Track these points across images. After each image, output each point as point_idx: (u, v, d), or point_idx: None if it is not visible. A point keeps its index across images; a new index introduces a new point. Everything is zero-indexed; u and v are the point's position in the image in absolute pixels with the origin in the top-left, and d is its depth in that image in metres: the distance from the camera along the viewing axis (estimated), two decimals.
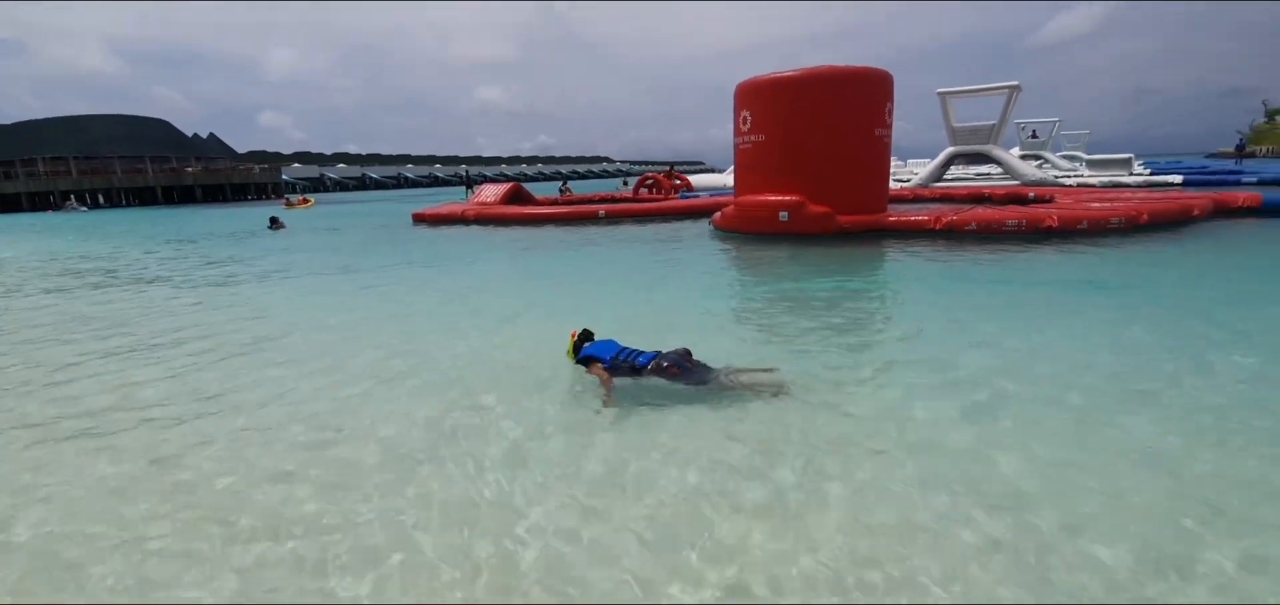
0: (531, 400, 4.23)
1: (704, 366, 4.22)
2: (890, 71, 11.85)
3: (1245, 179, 21.60)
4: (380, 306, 7.73)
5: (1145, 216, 10.78)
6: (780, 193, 11.55)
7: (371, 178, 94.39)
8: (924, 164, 32.46)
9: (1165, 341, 5.07)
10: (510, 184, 22.31)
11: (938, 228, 10.91)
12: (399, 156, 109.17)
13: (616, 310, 6.99)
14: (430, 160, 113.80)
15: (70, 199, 48.85)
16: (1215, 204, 12.94)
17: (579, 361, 4.38)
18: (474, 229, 16.67)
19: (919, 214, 11.51)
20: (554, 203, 22.42)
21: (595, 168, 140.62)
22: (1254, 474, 2.98)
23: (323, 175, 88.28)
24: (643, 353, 4.26)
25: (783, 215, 11.29)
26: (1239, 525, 2.59)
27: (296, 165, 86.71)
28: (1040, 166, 31.51)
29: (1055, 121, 41.55)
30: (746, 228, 12.06)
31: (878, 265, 9.17)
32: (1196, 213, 12.06)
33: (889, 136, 12.29)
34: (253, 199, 59.86)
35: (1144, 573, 2.33)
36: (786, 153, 11.58)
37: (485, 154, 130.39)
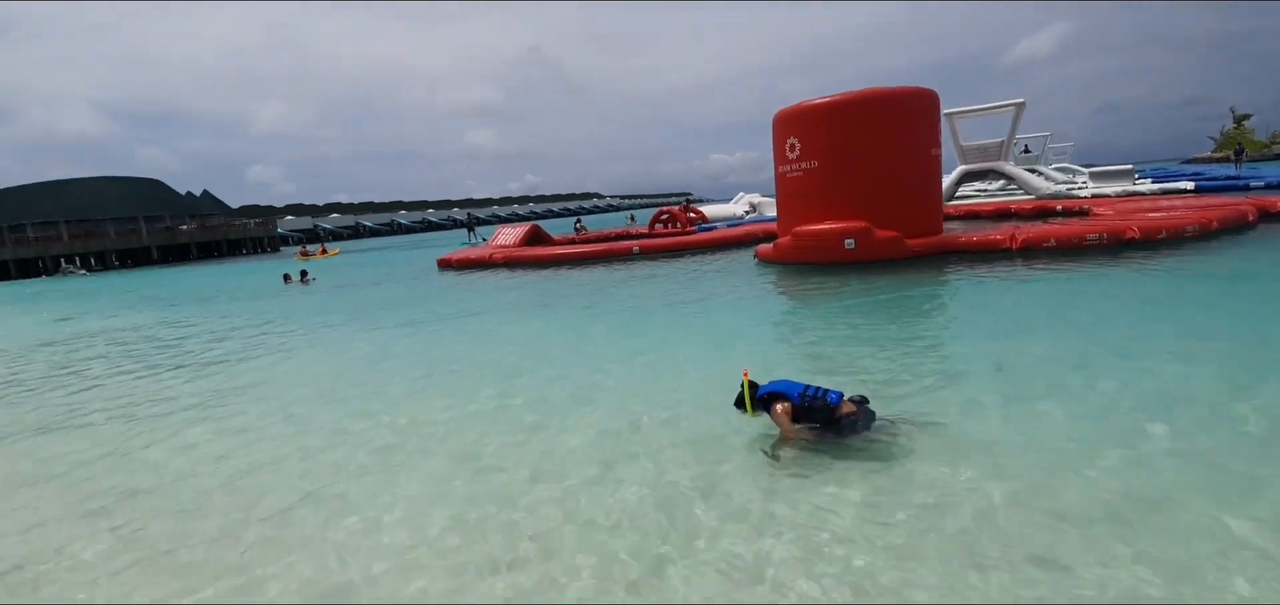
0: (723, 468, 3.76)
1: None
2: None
3: (1254, 183, 21.64)
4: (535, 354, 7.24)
5: (1216, 223, 10.56)
6: (838, 219, 11.24)
7: (366, 226, 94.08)
8: None
9: None
10: (528, 225, 21.95)
11: (1014, 246, 10.61)
12: (392, 204, 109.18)
13: (727, 356, 6.55)
14: (422, 205, 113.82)
15: (74, 262, 47.92)
16: (1260, 209, 12.80)
17: (759, 401, 3.85)
18: (502, 273, 16.24)
19: (993, 232, 11.24)
20: (572, 241, 22.11)
21: (587, 203, 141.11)
22: None
23: (316, 226, 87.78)
24: (831, 391, 3.78)
25: (848, 243, 10.96)
26: None
27: (289, 218, 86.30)
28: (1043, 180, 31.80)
29: (1046, 135, 42.16)
30: (804, 258, 11.70)
31: (979, 289, 8.78)
32: (1250, 218, 11.91)
33: (940, 156, 12.11)
34: (248, 254, 59.11)
35: None
36: (843, 178, 11.30)
37: (476, 196, 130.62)
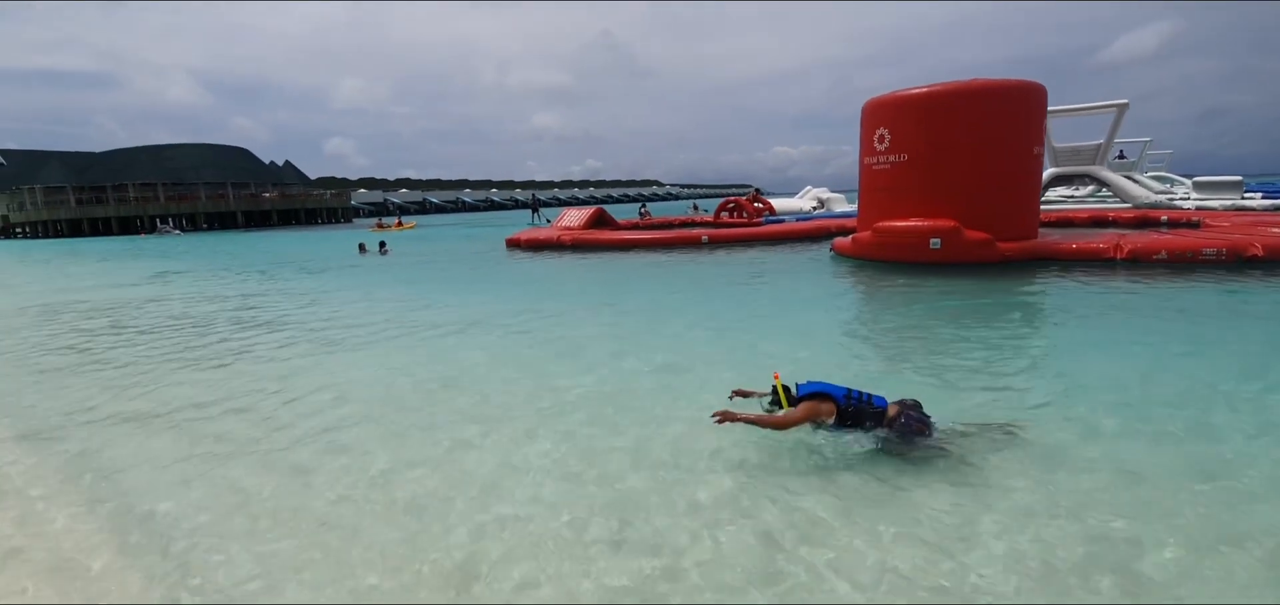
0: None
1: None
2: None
3: None
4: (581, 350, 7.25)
5: None
6: (927, 217, 10.72)
7: (432, 202, 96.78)
8: None
9: None
10: (594, 208, 22.02)
11: (1119, 257, 9.88)
12: (457, 181, 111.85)
13: (809, 356, 6.31)
14: (487, 185, 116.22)
15: (169, 222, 51.20)
16: None
17: (799, 401, 3.51)
18: (569, 256, 16.31)
19: (1095, 240, 10.51)
20: (636, 226, 22.06)
21: (646, 191, 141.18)
22: None
23: (386, 200, 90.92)
24: (876, 395, 3.55)
25: (934, 242, 10.45)
26: None
27: (362, 191, 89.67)
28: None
29: (1145, 141, 39.26)
30: (886, 255, 11.24)
31: (1082, 302, 8.19)
32: None
33: (1043, 155, 11.40)
34: (323, 223, 61.79)
35: None
36: (935, 173, 10.75)
37: (538, 178, 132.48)
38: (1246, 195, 24.12)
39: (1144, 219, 16.66)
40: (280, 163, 70.83)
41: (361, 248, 19.54)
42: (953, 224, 10.41)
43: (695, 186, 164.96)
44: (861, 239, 11.75)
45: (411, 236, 28.19)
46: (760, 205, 24.75)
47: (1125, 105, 22.80)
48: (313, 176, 76.53)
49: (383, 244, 19.43)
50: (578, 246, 17.19)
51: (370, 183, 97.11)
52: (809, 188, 37.76)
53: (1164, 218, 16.43)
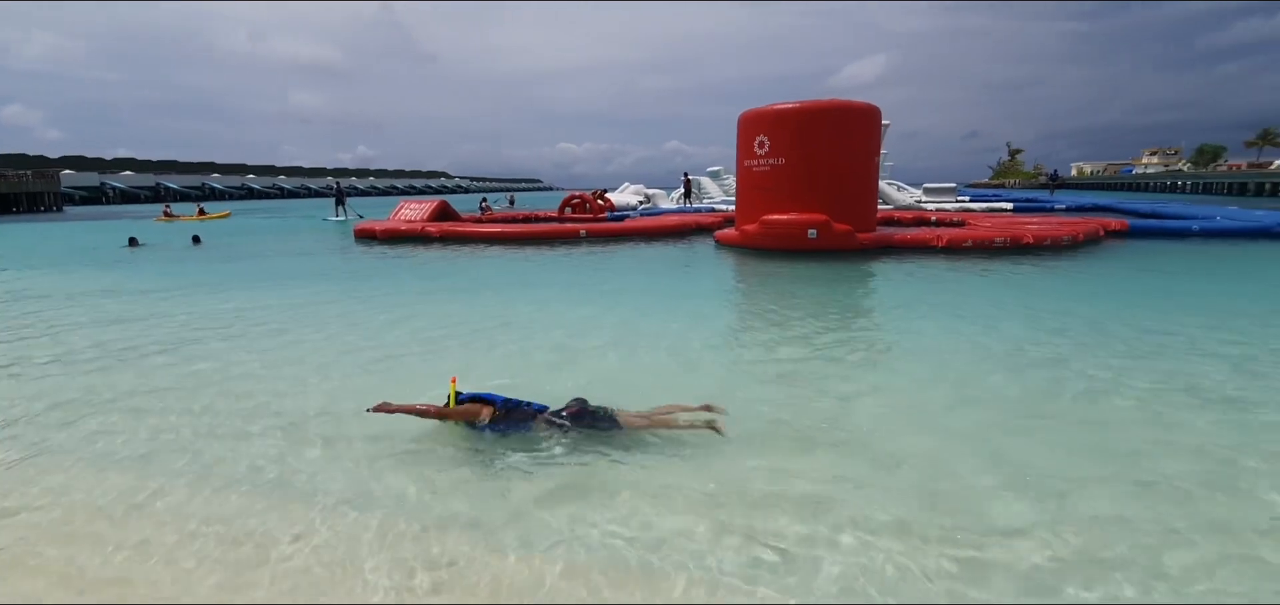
0: None
1: (605, 412, 3.98)
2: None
3: (1057, 206, 26.86)
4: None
5: (1081, 235, 13.42)
6: (801, 212, 12.55)
7: (169, 187, 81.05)
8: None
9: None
10: (436, 201, 21.03)
11: (940, 245, 12.64)
12: (201, 164, 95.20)
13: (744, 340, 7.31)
14: (241, 169, 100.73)
15: None
16: (1104, 228, 15.92)
17: (460, 403, 3.95)
18: (441, 249, 15.56)
19: (924, 232, 13.24)
20: (511, 220, 21.55)
21: (433, 182, 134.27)
22: None
23: (104, 184, 74.10)
24: (532, 402, 4.09)
25: (811, 233, 12.28)
26: None
27: (68, 172, 71.77)
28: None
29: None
30: (768, 245, 12.86)
31: (945, 281, 10.40)
32: (1102, 234, 14.88)
33: (878, 163, 13.95)
34: (22, 212, 48.30)
35: None
36: (807, 175, 12.62)
37: (303, 164, 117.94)
38: (959, 198, 31.03)
39: (919, 219, 20.84)
40: None
41: (132, 241, 16.07)
42: (825, 217, 12.36)
43: (484, 179, 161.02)
44: (748, 231, 13.27)
45: (227, 226, 23.92)
46: (602, 203, 25.72)
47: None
48: None
49: (196, 237, 16.41)
50: (445, 239, 16.41)
51: (79, 163, 78.18)
52: (627, 184, 39.66)
53: (933, 217, 20.71)
